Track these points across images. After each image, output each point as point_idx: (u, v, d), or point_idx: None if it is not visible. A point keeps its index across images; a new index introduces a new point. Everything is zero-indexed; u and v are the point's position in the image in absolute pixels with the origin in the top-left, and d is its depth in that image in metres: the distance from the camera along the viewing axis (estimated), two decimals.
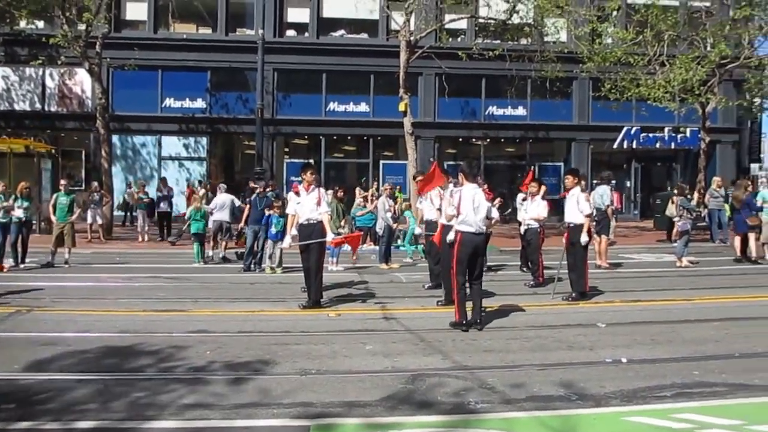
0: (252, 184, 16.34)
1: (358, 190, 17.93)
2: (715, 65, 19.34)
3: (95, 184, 19.41)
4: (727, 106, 22.10)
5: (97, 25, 19.05)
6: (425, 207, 11.09)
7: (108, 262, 14.71)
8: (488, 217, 8.09)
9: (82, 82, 24.66)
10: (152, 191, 21.03)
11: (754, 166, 33.44)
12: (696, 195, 17.18)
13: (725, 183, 19.84)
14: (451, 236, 8.01)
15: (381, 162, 26.35)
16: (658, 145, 27.12)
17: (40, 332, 7.43)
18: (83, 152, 25.45)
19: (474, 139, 26.96)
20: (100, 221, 18.47)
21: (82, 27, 19.00)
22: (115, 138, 23.83)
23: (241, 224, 14.21)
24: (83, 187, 22.86)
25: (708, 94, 19.98)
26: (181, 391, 5.28)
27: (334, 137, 26.50)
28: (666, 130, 26.71)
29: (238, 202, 15.11)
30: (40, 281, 11.33)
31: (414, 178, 13.02)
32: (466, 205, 7.73)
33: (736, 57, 20.15)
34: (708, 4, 21.74)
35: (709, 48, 19.80)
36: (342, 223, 15.81)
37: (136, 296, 10.08)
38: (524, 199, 12.46)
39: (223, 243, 15.06)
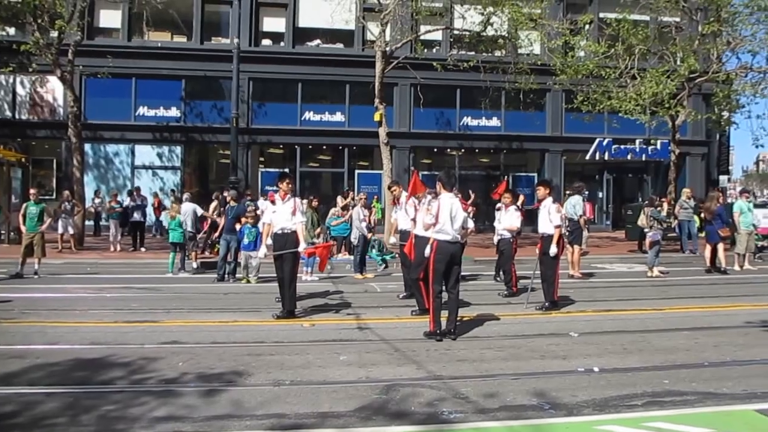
0: (225, 194, 16.26)
1: (339, 198, 17.85)
2: (684, 79, 19.73)
3: (67, 193, 19.11)
4: (697, 119, 22.59)
5: (70, 32, 18.80)
6: (400, 217, 11.13)
7: (79, 272, 14.47)
8: (464, 227, 8.18)
9: (53, 89, 24.32)
10: (125, 200, 20.80)
11: (722, 178, 34.11)
12: (666, 206, 17.46)
13: (694, 194, 20.24)
14: (428, 250, 8.02)
15: (356, 171, 26.39)
16: (629, 157, 27.56)
17: (8, 345, 7.28)
18: (54, 161, 25.06)
19: (449, 150, 27.12)
20: (71, 231, 18.19)
21: (54, 34, 18.74)
22: (87, 146, 23.50)
23: (216, 234, 14.13)
24: (54, 197, 22.50)
25: (678, 107, 20.35)
26: (152, 404, 5.21)
27: (310, 146, 26.47)
28: (637, 142, 27.18)
29: (200, 212, 15.01)
30: (8, 292, 11.07)
31: (389, 187, 13.07)
32: (444, 214, 7.83)
33: (704, 71, 20.58)
34: (678, 19, 22.18)
35: (678, 62, 20.21)
36: (317, 232, 15.79)
37: (107, 307, 9.93)
38: (498, 209, 12.57)
39: (193, 253, 14.95)
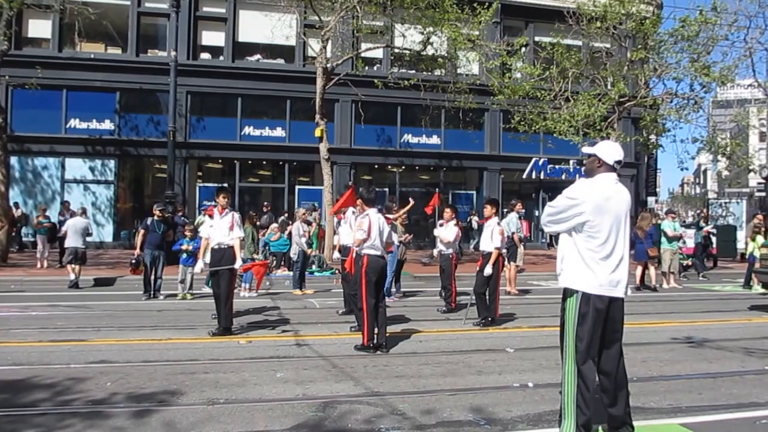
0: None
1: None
2: (614, 102, 20.53)
3: None
4: (626, 141, 23.44)
5: None
6: (343, 232, 11.09)
7: (2, 290, 13.78)
8: (388, 242, 8.39)
9: None
10: (54, 215, 20.01)
11: (650, 200, 35.50)
12: None
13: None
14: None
15: (297, 187, 26.21)
16: (563, 177, 28.31)
17: None
18: None
19: (389, 166, 27.29)
20: None
21: None
22: (13, 160, 22.54)
23: (137, 251, 13.45)
24: None
25: (608, 130, 21.10)
26: (77, 426, 4.98)
27: (250, 162, 26.15)
28: (571, 162, 27.98)
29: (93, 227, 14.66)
30: None
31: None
32: (374, 229, 7.96)
33: (633, 96, 21.47)
34: (608, 45, 23.08)
35: (609, 86, 21.02)
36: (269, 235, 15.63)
37: (31, 326, 9.47)
38: (441, 225, 12.68)
39: (77, 268, 14.44)
